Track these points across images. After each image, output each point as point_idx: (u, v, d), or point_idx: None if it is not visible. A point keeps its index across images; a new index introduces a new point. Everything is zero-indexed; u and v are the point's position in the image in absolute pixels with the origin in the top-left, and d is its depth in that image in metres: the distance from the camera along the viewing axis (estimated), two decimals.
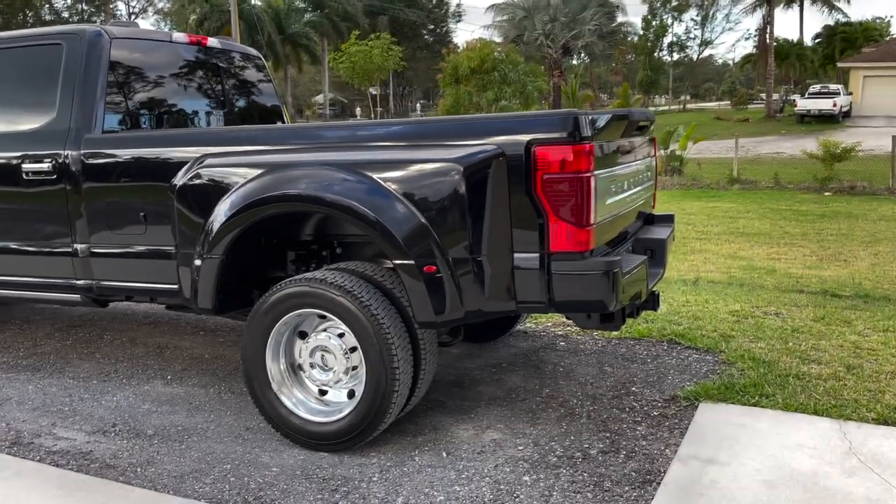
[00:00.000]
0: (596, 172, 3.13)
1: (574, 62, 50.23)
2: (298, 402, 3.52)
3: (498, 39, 40.25)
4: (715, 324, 5.36)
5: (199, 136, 3.93)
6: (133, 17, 52.29)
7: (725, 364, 4.48)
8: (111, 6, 46.13)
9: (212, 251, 3.51)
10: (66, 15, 44.78)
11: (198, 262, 3.57)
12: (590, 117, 3.16)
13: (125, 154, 3.88)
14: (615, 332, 5.14)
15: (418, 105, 50.22)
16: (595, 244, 3.20)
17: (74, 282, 4.09)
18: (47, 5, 45.26)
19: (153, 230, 3.81)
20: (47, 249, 4.12)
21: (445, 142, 3.26)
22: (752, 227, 12.33)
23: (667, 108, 61.99)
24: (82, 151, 3.93)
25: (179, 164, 3.68)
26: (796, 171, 18.65)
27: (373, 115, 37.23)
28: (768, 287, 7.51)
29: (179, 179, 3.63)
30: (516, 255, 3.16)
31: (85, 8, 46.14)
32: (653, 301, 3.98)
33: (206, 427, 3.74)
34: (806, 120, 35.61)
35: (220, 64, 4.91)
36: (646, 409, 3.85)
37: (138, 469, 3.30)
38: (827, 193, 16.40)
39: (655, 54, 61.93)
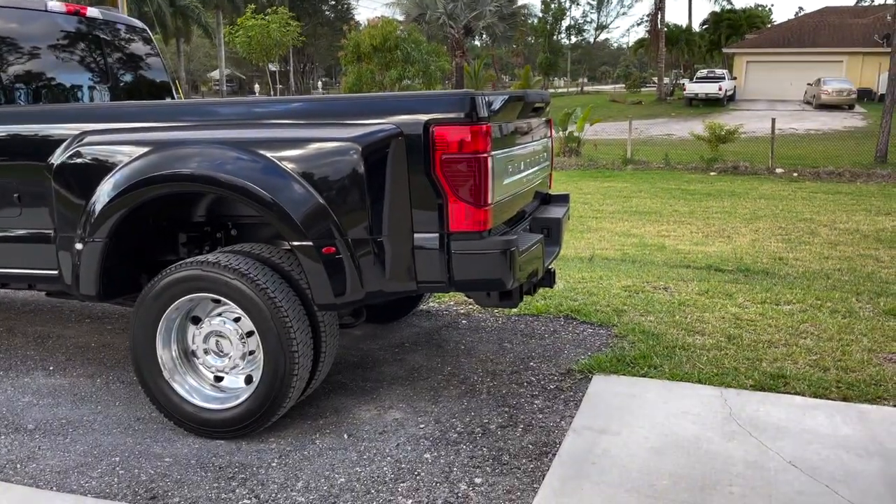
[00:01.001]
0: (493, 153, 3.17)
1: (476, 43, 50.55)
2: (192, 389, 3.40)
3: (400, 18, 39.89)
4: (608, 299, 5.56)
5: (77, 112, 3.70)
6: None
7: (617, 337, 4.66)
8: None
9: (94, 234, 3.32)
10: None
11: (79, 246, 3.37)
12: (487, 98, 3.18)
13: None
14: (514, 310, 5.25)
15: (320, 83, 49.21)
16: (493, 224, 3.24)
17: None
18: None
19: (29, 212, 3.57)
20: None
21: (343, 120, 3.21)
22: (644, 206, 12.84)
23: (565, 90, 63.46)
24: None
25: (57, 142, 3.46)
26: (685, 152, 19.54)
27: (272, 93, 36.20)
28: (658, 263, 7.86)
29: (57, 158, 3.41)
30: (416, 235, 3.16)
31: None
32: (549, 278, 4.08)
33: (93, 419, 3.56)
34: (694, 103, 37.30)
35: (103, 36, 4.63)
36: (543, 383, 3.95)
37: (18, 465, 3.11)
38: (713, 173, 17.29)
39: (554, 37, 63.18)
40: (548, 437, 3.33)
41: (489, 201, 3.14)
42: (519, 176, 3.69)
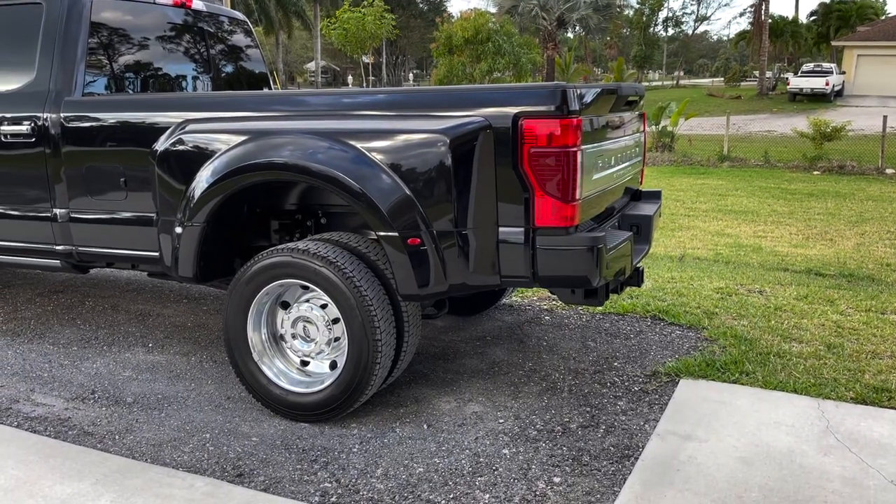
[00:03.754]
0: (583, 147, 3.10)
1: (570, 35, 49.80)
2: (280, 372, 3.50)
3: (493, 10, 39.77)
4: (699, 301, 5.38)
5: (180, 100, 3.86)
6: None
7: (707, 341, 4.50)
8: None
9: (193, 219, 3.46)
10: None
11: (178, 230, 3.52)
12: (578, 91, 3.11)
13: (105, 118, 3.81)
14: (599, 308, 5.15)
15: (411, 74, 49.68)
16: (580, 220, 3.18)
17: (54, 247, 4.03)
18: None
19: (134, 196, 3.75)
20: (27, 214, 4.06)
21: (432, 112, 3.21)
22: (740, 205, 12.35)
23: (660, 83, 61.72)
24: (62, 114, 3.85)
25: (161, 130, 3.62)
26: (786, 149, 18.66)
27: (365, 84, 36.81)
28: (753, 265, 7.54)
29: (161, 145, 3.56)
30: (501, 229, 3.13)
31: None
32: (637, 277, 3.97)
33: (187, 396, 3.72)
34: (798, 98, 35.58)
35: (206, 27, 4.81)
36: (627, 384, 3.86)
37: (116, 437, 3.29)
38: (816, 172, 16.44)
39: (650, 29, 61.51)
40: (630, 440, 3.25)
41: (577, 197, 3.07)
42: (609, 171, 3.60)
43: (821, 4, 50.35)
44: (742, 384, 3.79)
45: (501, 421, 3.45)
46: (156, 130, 3.63)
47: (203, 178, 3.40)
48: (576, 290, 3.39)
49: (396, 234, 3.13)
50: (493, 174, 3.10)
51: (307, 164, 3.18)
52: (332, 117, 3.33)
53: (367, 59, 47.29)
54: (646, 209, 4.25)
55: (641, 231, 4.05)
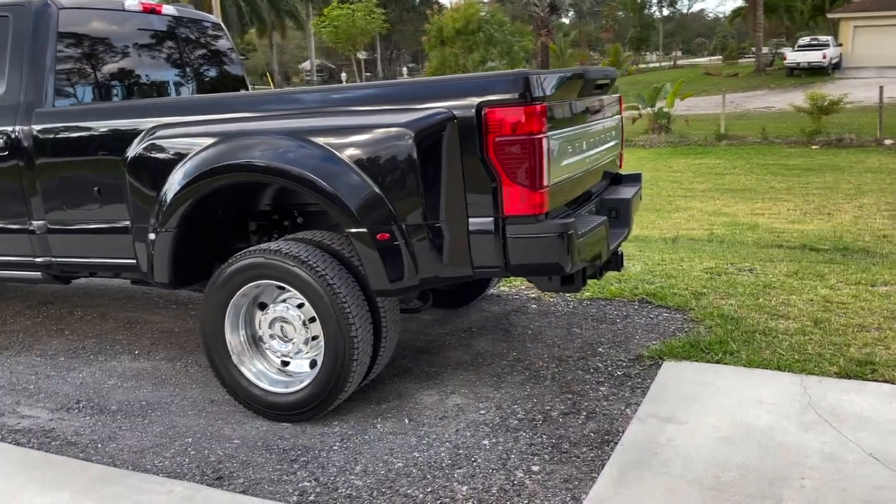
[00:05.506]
0: (549, 134, 3.08)
1: (565, 21, 49.56)
2: (259, 373, 3.51)
3: (484, 0, 39.58)
4: (688, 282, 5.35)
5: (148, 106, 3.84)
6: None
7: (693, 322, 4.48)
8: None
9: (165, 224, 3.46)
10: None
11: (152, 236, 3.52)
12: (542, 77, 3.10)
13: (76, 127, 3.81)
14: (587, 293, 5.14)
15: (405, 69, 49.59)
16: (550, 207, 3.16)
17: (34, 259, 4.04)
18: None
19: (108, 204, 3.76)
20: (6, 227, 4.06)
21: (396, 106, 3.20)
22: (737, 183, 12.29)
23: (658, 64, 61.41)
24: (33, 126, 3.86)
25: (131, 137, 3.61)
26: (784, 125, 18.54)
27: (358, 81, 36.75)
28: (748, 243, 7.50)
29: (131, 152, 3.56)
30: (471, 219, 3.12)
31: None
32: (616, 262, 3.96)
33: (171, 401, 3.73)
34: (795, 73, 35.32)
35: (178, 32, 4.80)
36: (610, 369, 3.85)
37: (99, 445, 3.30)
38: (814, 147, 16.34)
39: (645, 10, 61.17)
40: (611, 425, 3.24)
41: (545, 184, 3.06)
42: (581, 156, 3.58)
43: None
44: (726, 364, 3.78)
45: (483, 412, 3.44)
46: (126, 137, 3.63)
47: (172, 184, 3.40)
48: (552, 277, 3.37)
49: (365, 229, 3.12)
50: (460, 165, 3.09)
51: (270, 163, 3.18)
52: (296, 116, 3.32)
53: (362, 55, 47.21)
54: (624, 192, 4.23)
55: (620, 215, 4.03)
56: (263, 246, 3.37)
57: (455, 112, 3.07)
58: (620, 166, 4.62)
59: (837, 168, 13.23)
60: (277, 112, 3.39)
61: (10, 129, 3.89)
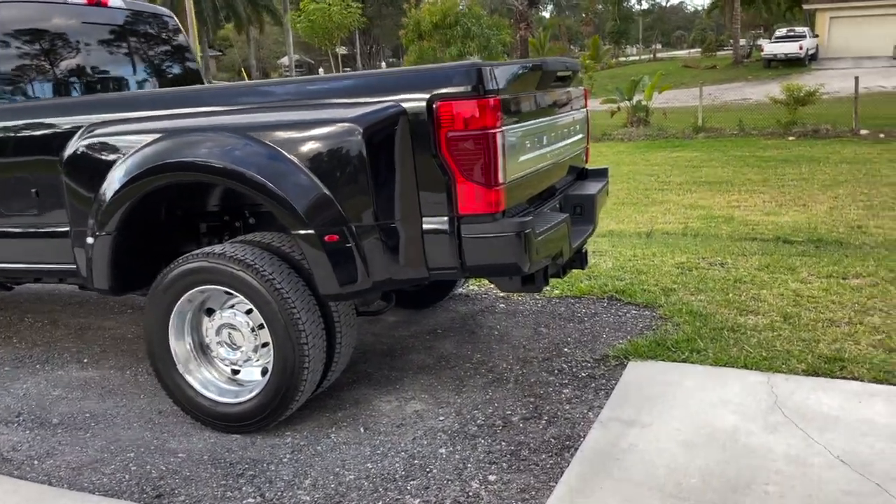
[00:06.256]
0: (504, 128, 2.95)
1: (545, 14, 49.48)
2: (207, 382, 3.35)
3: None
4: (658, 277, 5.25)
5: (84, 103, 3.66)
6: None
7: (662, 319, 4.37)
8: None
9: (103, 227, 3.29)
10: None
11: (90, 240, 3.35)
12: (495, 69, 2.96)
13: (12, 126, 3.62)
14: (556, 291, 5.02)
15: (383, 63, 49.26)
16: (508, 204, 3.03)
17: None
18: None
19: (47, 207, 3.58)
20: None
21: (344, 100, 3.05)
22: (714, 176, 12.23)
23: (637, 57, 61.50)
24: None
25: (68, 136, 3.44)
26: (761, 116, 18.55)
27: None
28: (722, 236, 7.43)
29: (67, 152, 3.39)
30: (424, 219, 2.99)
31: None
32: (580, 260, 3.85)
33: (116, 412, 3.56)
34: (773, 65, 35.42)
35: (125, 25, 4.61)
36: (574, 370, 3.73)
37: (35, 462, 3.13)
38: (791, 138, 16.34)
39: (624, 4, 61.24)
40: (572, 429, 3.12)
41: (500, 181, 2.92)
42: (542, 151, 3.45)
43: None
44: (692, 363, 3.67)
45: (442, 419, 3.31)
46: (63, 136, 3.45)
47: (110, 185, 3.23)
48: (512, 277, 3.24)
49: (312, 231, 2.97)
50: (411, 162, 2.95)
51: (209, 161, 3.02)
52: (239, 112, 3.16)
53: (342, 50, 46.74)
54: (590, 188, 4.11)
55: (585, 211, 3.91)
56: (207, 249, 3.21)
57: (406, 106, 2.93)
58: (587, 161, 4.50)
59: (813, 159, 13.21)
60: (220, 108, 3.22)
61: None
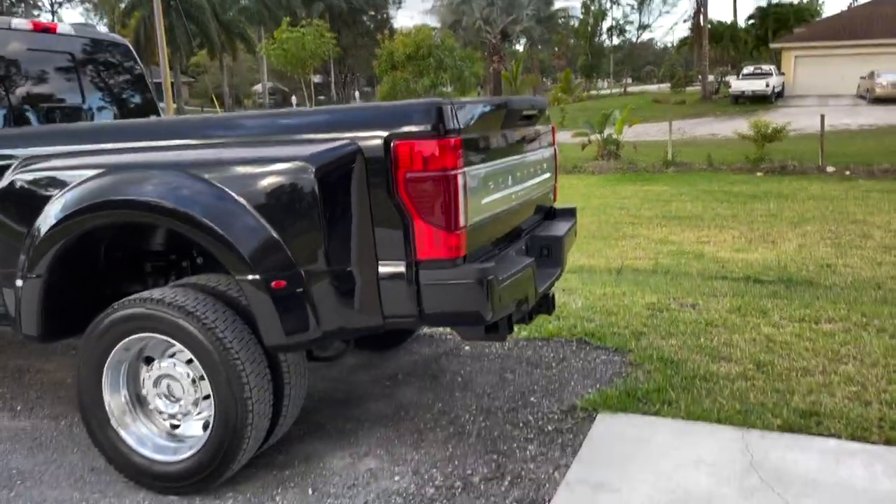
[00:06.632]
0: (466, 169, 2.78)
1: (518, 48, 50.08)
2: (143, 438, 3.09)
3: (436, 25, 39.74)
4: (628, 319, 5.10)
5: (21, 135, 3.44)
6: (57, 6, 50.05)
7: (632, 366, 4.21)
8: None
9: (33, 269, 3.04)
10: None
11: (19, 283, 3.10)
12: (457, 107, 2.80)
13: None
14: (524, 333, 4.84)
15: (357, 92, 49.37)
16: (470, 249, 2.86)
17: None
18: None
19: None
20: None
21: (296, 137, 2.87)
22: (684, 210, 12.23)
23: (608, 91, 62.41)
24: None
25: (2, 169, 3.20)
26: (730, 152, 18.73)
27: (309, 104, 36.38)
28: (692, 274, 7.33)
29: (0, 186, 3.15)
30: (380, 264, 2.80)
31: None
32: (547, 304, 3.67)
33: (45, 469, 3.28)
34: (740, 101, 36.07)
35: (77, 54, 4.38)
36: (541, 423, 3.53)
37: None
38: (759, 174, 16.50)
39: (596, 39, 62.30)
40: (537, 492, 2.92)
41: (461, 224, 2.75)
42: (507, 192, 3.29)
43: (758, 8, 51.54)
44: (664, 416, 3.50)
45: (397, 478, 3.08)
46: None
47: (39, 225, 3.00)
48: (474, 325, 3.05)
49: (258, 276, 2.76)
50: (367, 204, 2.77)
51: (141, 199, 2.81)
52: (183, 147, 2.96)
53: (317, 79, 46.76)
54: (557, 229, 3.95)
55: (552, 253, 3.75)
56: (146, 294, 2.98)
57: (362, 144, 2.75)
58: (554, 200, 4.35)
59: (781, 195, 13.31)
60: (162, 143, 3.02)
61: None
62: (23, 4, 43.37)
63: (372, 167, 2.74)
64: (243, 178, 2.78)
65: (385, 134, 2.73)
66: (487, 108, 3.16)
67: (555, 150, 4.26)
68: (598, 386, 3.91)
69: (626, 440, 3.25)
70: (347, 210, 2.77)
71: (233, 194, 2.77)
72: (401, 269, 2.77)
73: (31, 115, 4.06)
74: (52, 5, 49.15)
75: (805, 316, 5.03)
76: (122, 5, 47.07)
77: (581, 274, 7.27)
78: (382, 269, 2.80)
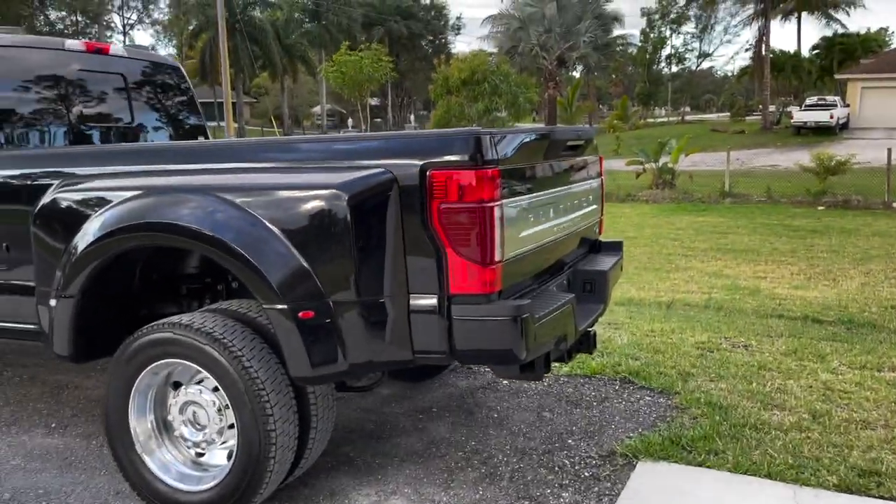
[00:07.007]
0: (504, 201, 2.68)
1: (575, 74, 49.95)
2: (167, 465, 3.04)
3: (493, 50, 39.92)
4: (676, 358, 4.88)
5: (65, 155, 3.47)
6: (128, 28, 52.13)
7: (678, 409, 4.00)
8: (105, 18, 45.94)
9: (67, 289, 3.04)
10: (60, 27, 44.56)
11: (53, 302, 3.10)
12: (496, 137, 2.70)
13: None
14: (565, 369, 4.66)
15: (412, 116, 49.87)
16: (506, 283, 2.75)
17: None
18: (42, 16, 45.07)
19: (16, 262, 3.35)
20: None
21: (330, 164, 2.81)
22: (740, 243, 11.86)
23: (666, 119, 61.65)
24: None
25: (44, 188, 3.23)
26: (790, 184, 18.18)
27: (363, 127, 36.82)
28: (746, 311, 7.03)
29: (40, 204, 3.17)
30: (412, 296, 2.70)
31: (79, 19, 45.92)
32: (587, 343, 3.51)
33: (71, 490, 3.25)
34: (802, 132, 35.13)
35: (128, 75, 4.45)
36: (577, 468, 3.36)
37: None
38: (820, 207, 15.95)
39: (654, 66, 61.73)
40: None
41: (496, 258, 2.64)
42: (548, 224, 3.17)
43: (823, 38, 50.12)
44: (709, 466, 3.28)
45: None
46: (38, 189, 3.24)
47: (74, 246, 3.00)
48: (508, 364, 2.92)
49: (286, 305, 2.69)
50: (400, 234, 2.69)
51: (174, 222, 2.79)
52: (217, 171, 2.93)
53: (374, 101, 47.39)
54: (602, 263, 3.80)
55: (595, 289, 3.61)
56: (174, 319, 2.94)
57: (396, 173, 2.67)
58: (600, 232, 4.20)
59: (844, 230, 12.79)
60: (194, 166, 3.00)
61: None
62: (96, 25, 45.25)
63: (406, 196, 2.67)
64: (274, 204, 2.73)
65: (420, 163, 2.65)
66: (529, 138, 3.05)
67: (602, 182, 4.12)
68: (640, 430, 3.72)
69: (668, 492, 3.06)
70: (380, 240, 2.69)
71: (263, 220, 2.72)
72: (433, 302, 2.68)
73: (80, 135, 4.13)
74: (123, 27, 51.18)
75: (867, 362, 4.73)
76: (191, 27, 48.76)
77: (629, 307, 7.05)
78: (414, 302, 2.70)
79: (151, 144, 3.92)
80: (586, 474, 3.30)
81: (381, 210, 2.67)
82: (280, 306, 2.69)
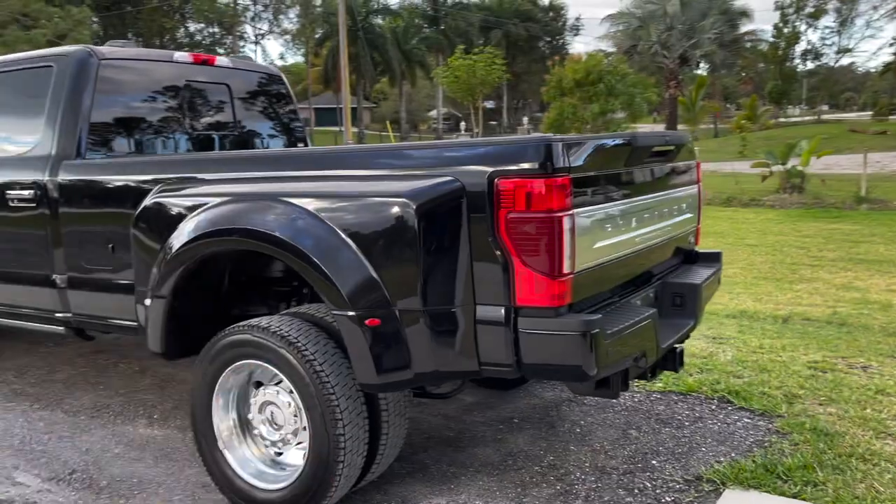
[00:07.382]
0: (576, 210, 2.59)
1: (698, 72, 48.01)
2: (246, 462, 3.14)
3: (611, 50, 39.02)
4: (783, 378, 4.55)
5: (160, 162, 3.67)
6: (259, 38, 54.96)
7: (778, 434, 3.72)
8: (238, 29, 48.68)
9: (159, 290, 3.21)
10: (198, 38, 47.61)
11: (147, 301, 3.28)
12: (569, 144, 2.61)
13: (97, 181, 3.68)
14: (660, 384, 4.46)
15: (525, 118, 49.59)
16: (579, 296, 2.65)
17: (55, 313, 3.93)
18: (182, 28, 48.34)
19: (120, 262, 3.57)
20: (30, 279, 3.99)
21: (398, 172, 2.81)
22: (875, 253, 10.94)
23: (800, 118, 58.06)
24: (61, 178, 3.76)
25: (144, 193, 3.43)
26: None
27: (477, 130, 36.97)
28: (873, 328, 6.46)
29: (139, 207, 3.37)
30: (478, 307, 2.66)
31: (216, 31, 48.89)
32: (673, 360, 3.33)
33: (163, 480, 3.44)
34: None
35: (231, 85, 4.67)
36: (658, 491, 3.19)
37: None
38: None
39: (787, 63, 58.23)
40: None
41: (566, 270, 2.55)
42: (629, 235, 3.03)
43: None
44: (804, 499, 3.03)
45: None
46: (139, 193, 3.44)
47: (166, 248, 3.16)
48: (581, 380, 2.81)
49: (354, 312, 2.71)
50: (467, 243, 2.65)
51: (252, 227, 2.89)
52: (289, 179, 3.01)
53: (489, 104, 47.53)
54: (695, 276, 3.60)
55: (685, 303, 3.42)
56: (254, 321, 3.03)
57: (464, 181, 2.64)
58: (697, 242, 3.98)
59: None
60: (267, 174, 3.10)
61: (39, 179, 3.82)
62: (230, 37, 48.04)
63: (474, 205, 2.62)
64: (344, 212, 2.76)
65: (489, 170, 2.60)
66: (607, 145, 2.93)
67: (699, 189, 3.91)
68: (732, 455, 3.49)
69: None
70: (447, 249, 2.66)
71: (334, 227, 2.75)
72: (499, 314, 2.62)
73: (184, 142, 4.37)
74: (255, 37, 54.04)
75: None
76: (317, 36, 50.83)
77: (740, 320, 6.66)
78: (480, 313, 2.66)
79: (237, 153, 4.08)
80: (667, 499, 3.12)
81: (449, 219, 2.64)
82: (348, 313, 2.72)
